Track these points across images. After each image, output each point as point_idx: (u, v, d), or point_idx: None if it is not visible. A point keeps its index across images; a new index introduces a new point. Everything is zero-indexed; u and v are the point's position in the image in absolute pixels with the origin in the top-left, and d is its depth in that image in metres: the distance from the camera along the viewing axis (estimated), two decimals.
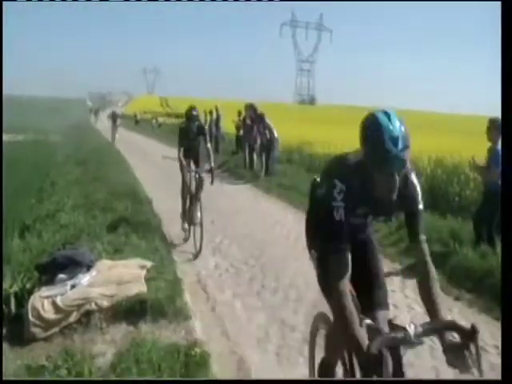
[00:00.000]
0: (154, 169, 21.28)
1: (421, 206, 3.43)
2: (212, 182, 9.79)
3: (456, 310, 6.88)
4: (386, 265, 8.69)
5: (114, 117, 36.67)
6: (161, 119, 54.53)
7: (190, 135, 9.82)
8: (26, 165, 20.79)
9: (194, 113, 9.77)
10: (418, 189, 3.42)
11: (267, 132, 18.04)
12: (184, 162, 9.73)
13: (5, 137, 35.31)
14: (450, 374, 5.24)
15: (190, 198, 10.01)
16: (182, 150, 9.76)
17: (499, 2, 5.66)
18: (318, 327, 4.39)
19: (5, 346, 5.95)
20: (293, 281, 7.99)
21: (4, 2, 6.74)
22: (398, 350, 3.15)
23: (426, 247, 3.36)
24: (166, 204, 13.28)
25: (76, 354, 5.30)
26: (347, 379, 4.11)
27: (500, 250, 7.42)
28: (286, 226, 11.50)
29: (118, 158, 23.22)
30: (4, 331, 6.22)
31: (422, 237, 3.38)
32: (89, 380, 4.62)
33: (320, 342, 4.30)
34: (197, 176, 9.80)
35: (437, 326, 3.11)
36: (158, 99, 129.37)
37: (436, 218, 10.92)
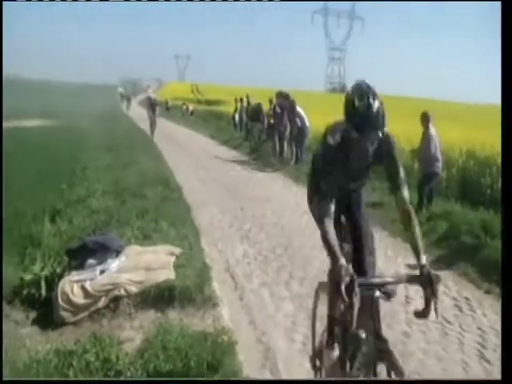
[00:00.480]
0: (186, 157, 21.29)
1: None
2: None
3: (486, 304, 6.80)
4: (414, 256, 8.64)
5: (152, 105, 28.87)
6: (192, 106, 54.37)
7: (352, 172, 3.99)
8: (58, 150, 20.97)
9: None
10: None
11: (298, 120, 17.93)
12: (342, 261, 3.36)
13: (37, 122, 35.86)
14: (478, 368, 5.24)
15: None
16: (327, 210, 3.70)
17: (499, 2, 5.58)
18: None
19: (35, 329, 6.05)
20: (320, 271, 7.94)
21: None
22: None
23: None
24: (196, 192, 13.35)
25: (104, 339, 5.35)
26: (347, 379, 4.12)
27: None
28: None
29: (149, 145, 23.27)
30: (34, 315, 6.31)
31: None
32: (89, 380, 4.65)
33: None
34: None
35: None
36: (189, 86, 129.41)
37: (467, 209, 10.79)
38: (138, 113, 46.34)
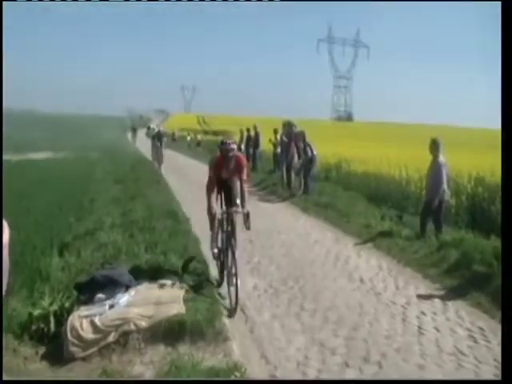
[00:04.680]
0: (192, 188, 21.00)
1: None
2: None
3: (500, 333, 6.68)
4: (426, 286, 8.56)
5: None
6: (199, 137, 54.61)
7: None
8: (66, 182, 21.00)
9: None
10: None
11: (308, 150, 17.86)
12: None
13: (46, 154, 36.07)
14: None
15: None
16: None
17: (499, 2, 5.61)
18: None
19: (44, 364, 6.00)
20: (332, 302, 7.88)
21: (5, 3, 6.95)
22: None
23: None
24: (204, 224, 13.27)
25: (114, 375, 5.28)
26: (348, 379, 5.15)
27: None
28: (324, 245, 11.38)
29: (155, 177, 23.23)
30: (43, 350, 6.26)
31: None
32: (89, 380, 4.58)
33: None
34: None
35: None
36: (195, 117, 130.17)
37: (479, 237, 10.66)
38: (144, 144, 46.09)
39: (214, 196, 8.39)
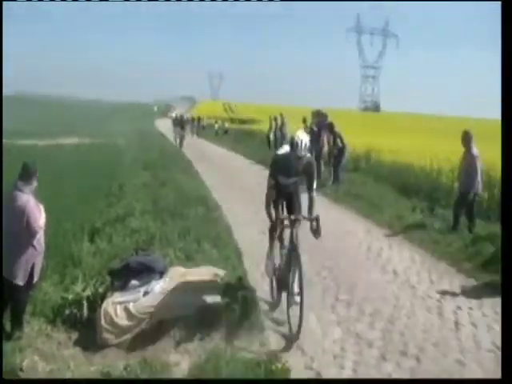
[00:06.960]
0: (222, 176, 20.96)
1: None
2: None
3: None
4: (461, 280, 8.38)
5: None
6: (227, 125, 54.14)
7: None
8: (94, 168, 21.05)
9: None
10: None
11: (338, 140, 17.64)
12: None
13: (71, 140, 36.25)
14: None
15: None
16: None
17: (499, 2, 5.49)
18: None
19: (77, 350, 6.01)
20: (367, 294, 7.78)
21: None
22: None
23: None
24: (235, 211, 13.19)
25: (153, 362, 5.26)
26: (349, 379, 5.24)
27: None
28: (356, 236, 11.24)
29: (184, 163, 23.19)
30: (76, 336, 6.27)
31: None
32: (89, 380, 4.56)
33: None
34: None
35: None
36: (222, 105, 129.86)
37: None
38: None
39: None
